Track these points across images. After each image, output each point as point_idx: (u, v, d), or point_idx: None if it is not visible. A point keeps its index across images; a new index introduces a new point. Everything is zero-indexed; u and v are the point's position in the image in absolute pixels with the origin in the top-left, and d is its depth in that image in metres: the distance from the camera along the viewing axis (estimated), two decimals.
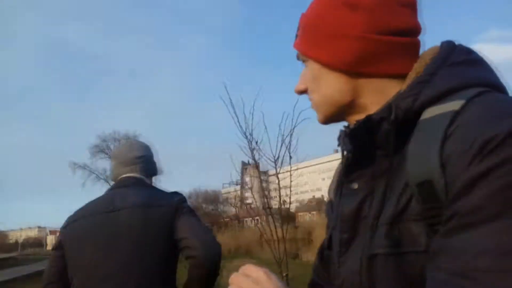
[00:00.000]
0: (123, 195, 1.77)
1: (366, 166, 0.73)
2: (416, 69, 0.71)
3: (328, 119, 0.81)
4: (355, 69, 0.74)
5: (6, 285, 14.81)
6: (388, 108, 0.68)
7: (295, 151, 4.00)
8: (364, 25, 0.72)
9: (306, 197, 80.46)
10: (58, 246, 1.81)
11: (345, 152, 0.79)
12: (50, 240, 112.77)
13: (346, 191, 0.76)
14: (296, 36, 0.82)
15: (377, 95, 0.74)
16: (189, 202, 1.78)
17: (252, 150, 4.32)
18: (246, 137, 4.13)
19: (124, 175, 1.87)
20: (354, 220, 0.72)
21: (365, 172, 0.73)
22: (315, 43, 0.77)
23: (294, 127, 4.18)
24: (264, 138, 4.16)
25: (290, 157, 3.95)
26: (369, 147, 0.71)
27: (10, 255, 56.88)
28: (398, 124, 0.67)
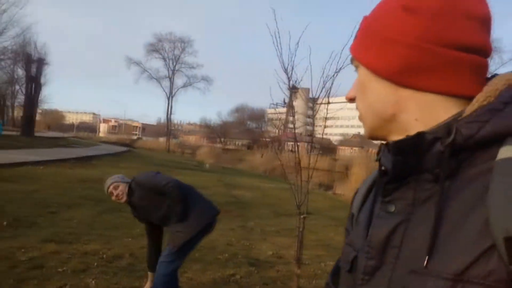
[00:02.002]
0: None
1: (407, 189, 0.64)
2: (487, 94, 0.62)
3: (373, 133, 0.73)
4: (401, 79, 0.66)
5: (59, 164, 16.39)
6: (445, 128, 0.61)
7: (335, 94, 3.80)
8: (420, 32, 0.64)
9: (351, 132, 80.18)
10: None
11: (383, 168, 0.70)
12: (103, 128, 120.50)
13: (380, 212, 0.68)
14: (355, 38, 0.75)
15: (424, 112, 0.65)
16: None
17: (290, 88, 4.23)
18: (287, 74, 3.79)
19: None
20: (383, 247, 0.64)
21: (406, 195, 0.64)
22: (366, 47, 0.70)
23: (340, 69, 3.67)
24: (304, 77, 3.84)
25: (328, 103, 4.11)
26: (415, 168, 0.63)
27: (65, 135, 61.54)
28: (454, 149, 0.60)
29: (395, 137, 0.69)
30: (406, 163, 0.64)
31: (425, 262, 0.58)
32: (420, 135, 0.62)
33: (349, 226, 0.87)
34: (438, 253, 0.57)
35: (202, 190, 14.35)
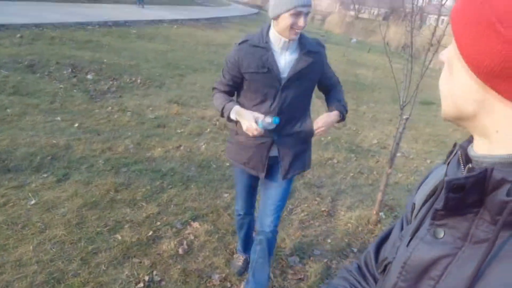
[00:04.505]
0: None
1: (464, 220, 0.56)
2: None
3: (448, 119, 0.63)
4: (492, 81, 0.52)
5: (191, 24, 17.00)
6: None
7: None
8: None
9: None
10: None
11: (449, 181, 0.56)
12: None
13: (427, 235, 0.61)
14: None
15: (510, 128, 0.54)
16: None
17: None
18: None
19: None
20: (420, 274, 0.59)
21: (460, 226, 0.57)
22: (466, 23, 0.54)
23: None
24: None
25: None
26: (476, 203, 0.55)
27: None
28: None
29: (474, 131, 0.60)
30: (464, 200, 0.55)
31: None
32: (485, 172, 0.53)
33: (408, 214, 0.80)
34: None
35: None
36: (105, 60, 7.82)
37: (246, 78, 2.11)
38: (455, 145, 0.68)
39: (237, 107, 2.11)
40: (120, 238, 2.85)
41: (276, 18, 2.01)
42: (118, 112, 5.33)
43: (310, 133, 2.24)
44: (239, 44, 2.11)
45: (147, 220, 3.11)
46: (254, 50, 2.07)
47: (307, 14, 1.98)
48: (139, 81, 6.98)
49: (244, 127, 2.02)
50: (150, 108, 5.70)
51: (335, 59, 14.83)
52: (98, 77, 6.73)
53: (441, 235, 0.59)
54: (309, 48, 2.13)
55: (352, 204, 3.99)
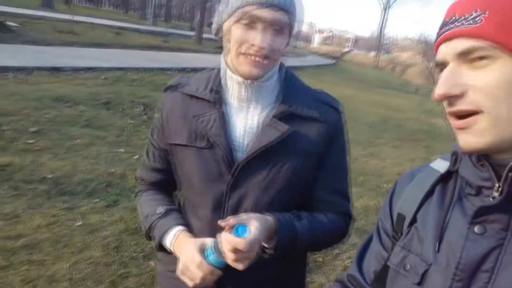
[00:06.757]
0: None
1: (503, 211, 0.60)
2: None
3: (501, 145, 0.59)
4: None
5: None
6: None
7: None
8: None
9: None
10: None
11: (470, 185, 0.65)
12: (317, 38, 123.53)
13: (469, 233, 0.63)
14: (460, 20, 0.59)
15: None
16: None
17: None
18: None
19: None
20: (474, 270, 0.61)
21: (500, 218, 0.60)
22: None
23: None
24: None
25: None
26: None
27: None
28: None
29: (503, 154, 0.61)
30: None
31: None
32: None
33: (386, 224, 0.82)
34: None
35: (397, 114, 13.42)
36: None
37: (172, 155, 1.15)
38: (454, 153, 0.70)
39: (178, 231, 1.10)
40: (153, 264, 2.84)
41: (219, 33, 1.08)
42: None
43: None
44: (165, 91, 1.18)
45: None
46: (189, 105, 1.10)
47: (278, 27, 0.98)
48: None
49: (179, 269, 1.02)
50: None
51: (410, 108, 14.35)
52: None
53: (483, 230, 0.62)
54: (297, 106, 1.07)
55: None
